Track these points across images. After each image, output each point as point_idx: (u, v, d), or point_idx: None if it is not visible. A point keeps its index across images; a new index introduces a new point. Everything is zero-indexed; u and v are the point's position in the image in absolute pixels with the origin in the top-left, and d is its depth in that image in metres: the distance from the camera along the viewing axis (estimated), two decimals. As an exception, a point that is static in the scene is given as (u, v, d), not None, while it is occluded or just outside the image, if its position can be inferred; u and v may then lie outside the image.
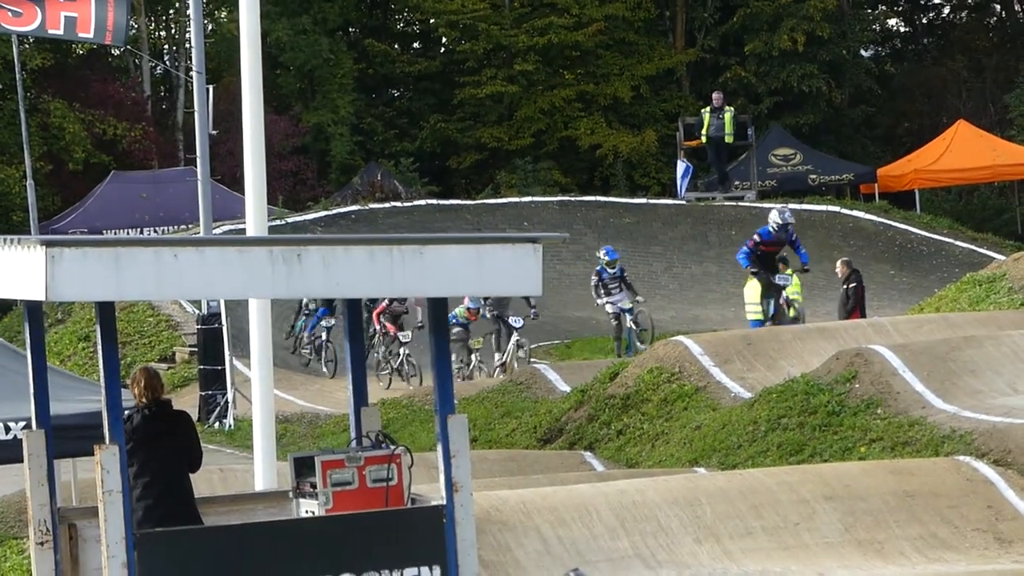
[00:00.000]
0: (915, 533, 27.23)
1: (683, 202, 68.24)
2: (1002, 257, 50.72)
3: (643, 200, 71.11)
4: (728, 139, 65.86)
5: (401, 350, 48.56)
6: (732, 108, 66.77)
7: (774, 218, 39.33)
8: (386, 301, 48.39)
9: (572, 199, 70.10)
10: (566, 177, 76.86)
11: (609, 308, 44.90)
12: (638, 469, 34.06)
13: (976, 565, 25.73)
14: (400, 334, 48.65)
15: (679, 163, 67.60)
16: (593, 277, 46.14)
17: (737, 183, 67.32)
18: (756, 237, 39.21)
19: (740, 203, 67.64)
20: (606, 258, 45.67)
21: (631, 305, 44.70)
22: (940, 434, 32.19)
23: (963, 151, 65.18)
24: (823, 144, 76.45)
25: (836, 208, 65.96)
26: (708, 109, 66.25)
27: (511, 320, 47.04)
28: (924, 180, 64.78)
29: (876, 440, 32.87)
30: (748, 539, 27.15)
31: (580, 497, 28.11)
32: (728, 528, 27.37)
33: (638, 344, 44.58)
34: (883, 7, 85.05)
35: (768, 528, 27.25)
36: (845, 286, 48.63)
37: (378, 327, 50.67)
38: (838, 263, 48.90)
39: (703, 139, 67.00)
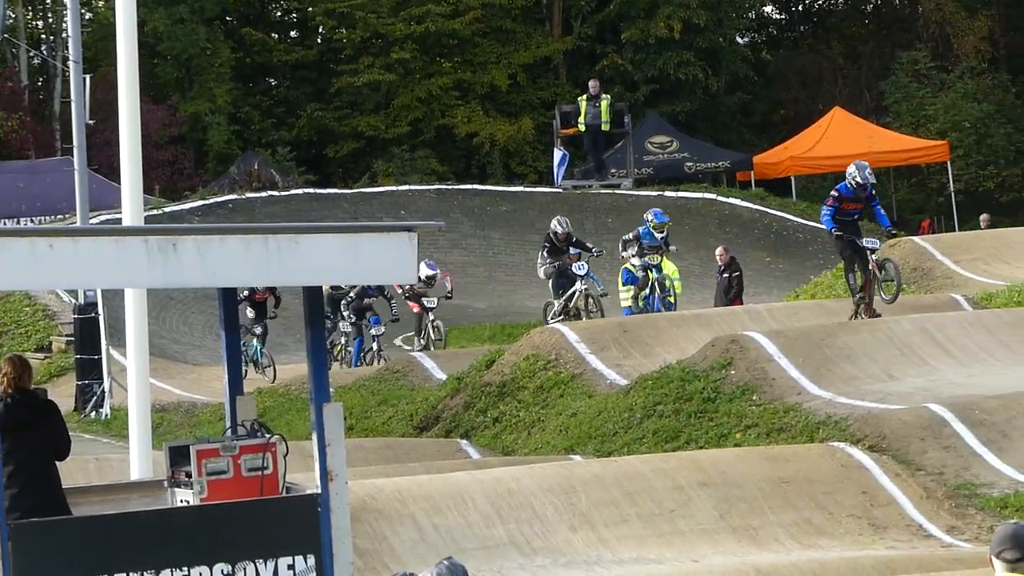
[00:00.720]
0: (789, 519, 27.39)
1: (559, 190, 68.13)
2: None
3: (520, 188, 71.18)
4: (605, 127, 65.36)
5: (428, 323, 47.60)
6: (609, 96, 66.39)
7: (853, 173, 37.51)
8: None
9: (449, 187, 69.69)
10: (443, 165, 76.71)
11: (636, 261, 42.91)
12: (514, 457, 34.12)
13: (850, 551, 25.83)
14: (426, 300, 47.37)
15: (556, 151, 67.14)
16: (629, 235, 44.06)
17: (613, 171, 66.84)
18: (835, 193, 37.35)
19: (616, 191, 67.51)
20: (654, 220, 43.46)
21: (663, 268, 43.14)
22: (815, 420, 32.52)
23: (839, 138, 65.45)
24: (699, 131, 76.56)
25: (712, 195, 65.86)
26: (585, 97, 65.85)
27: (426, 302, 46.52)
28: (800, 167, 65.05)
29: (751, 427, 33.12)
30: (623, 526, 27.18)
31: (456, 485, 28.13)
32: (603, 515, 27.38)
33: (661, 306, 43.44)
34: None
35: (643, 515, 27.24)
36: (728, 273, 48.76)
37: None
38: (718, 249, 48.91)
39: (580, 127, 66.37)
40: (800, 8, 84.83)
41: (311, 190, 72.94)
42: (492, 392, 39.00)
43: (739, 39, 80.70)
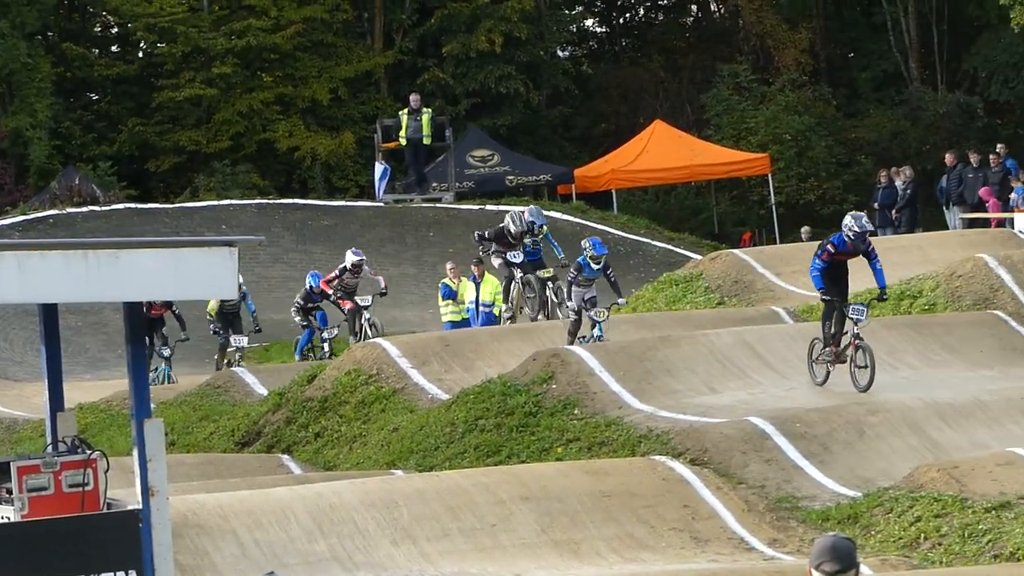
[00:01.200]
0: (611, 533, 27.52)
1: (381, 204, 67.98)
2: (699, 257, 51.24)
3: (341, 203, 70.79)
4: (426, 140, 65.23)
5: (364, 321, 46.18)
6: (430, 109, 66.43)
7: (849, 224, 33.91)
8: (335, 273, 46.11)
9: (270, 202, 69.41)
10: (264, 180, 76.10)
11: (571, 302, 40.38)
12: (336, 472, 34.18)
13: (673, 564, 25.99)
14: (359, 298, 46.19)
15: (377, 165, 66.80)
16: (572, 269, 41.15)
17: (435, 185, 66.62)
18: (829, 247, 33.98)
19: (438, 204, 67.23)
20: (591, 251, 40.54)
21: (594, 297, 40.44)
22: (636, 434, 32.71)
23: (660, 151, 65.59)
24: (521, 145, 76.33)
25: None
26: (406, 111, 65.73)
27: (359, 300, 45.58)
28: (621, 180, 65.07)
29: (573, 440, 33.30)
30: (445, 541, 27.27)
31: (278, 500, 28.18)
32: (425, 530, 27.54)
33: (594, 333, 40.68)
34: (580, 8, 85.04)
35: (465, 530, 27.39)
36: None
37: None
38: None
39: (401, 141, 66.38)
40: (621, 22, 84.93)
41: (132, 205, 71.88)
42: (313, 407, 38.95)
43: (560, 53, 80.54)
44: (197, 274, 17.33)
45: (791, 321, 42.64)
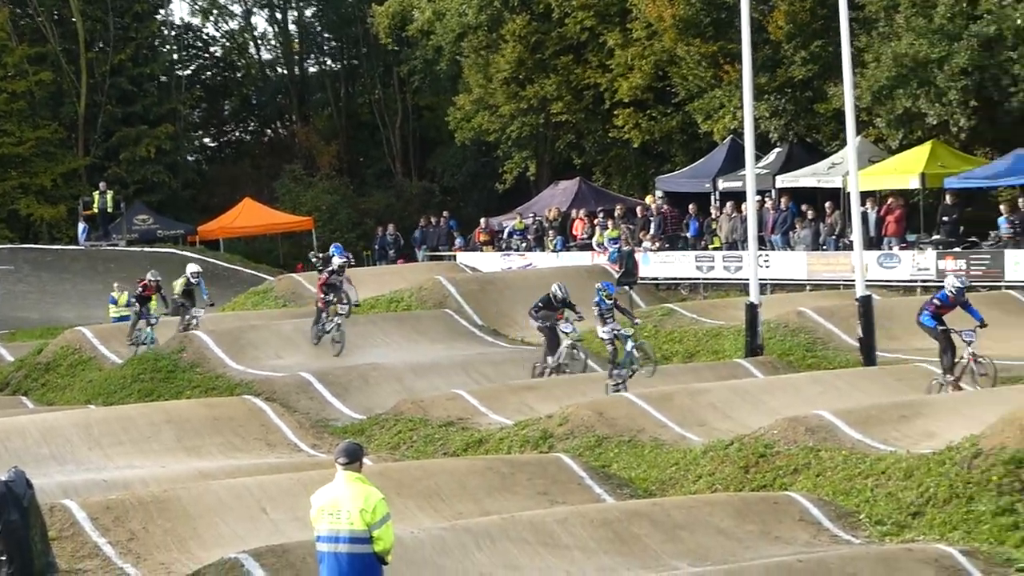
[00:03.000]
0: (220, 441, 27.24)
1: (83, 248, 63.87)
2: (271, 279, 51.22)
3: (59, 247, 65.85)
4: (110, 210, 63.12)
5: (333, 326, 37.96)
6: (111, 191, 63.94)
7: (951, 283, 28.27)
8: (326, 274, 38.42)
9: (16, 246, 64.63)
10: (12, 233, 71.08)
11: (604, 335, 31.01)
12: (54, 406, 33.51)
13: (255, 460, 25.86)
14: (340, 307, 37.32)
15: (80, 224, 63.98)
16: (594, 308, 31.68)
17: (115, 236, 63.64)
18: (936, 302, 28.22)
19: (116, 247, 63.59)
20: (605, 291, 31.64)
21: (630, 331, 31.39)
22: (234, 383, 33.07)
23: (249, 216, 64.63)
24: (168, 211, 72.15)
25: (173, 250, 63.92)
26: (97, 192, 62.77)
27: (340, 308, 37.06)
28: (226, 232, 64.09)
29: (196, 387, 33.48)
30: (119, 447, 26.53)
31: (17, 423, 27.72)
32: (107, 440, 26.88)
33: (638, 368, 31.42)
34: (200, 132, 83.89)
35: (132, 440, 26.81)
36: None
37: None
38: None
39: (94, 210, 63.54)
40: (225, 139, 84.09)
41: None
42: (41, 368, 38.26)
43: (190, 157, 79.11)
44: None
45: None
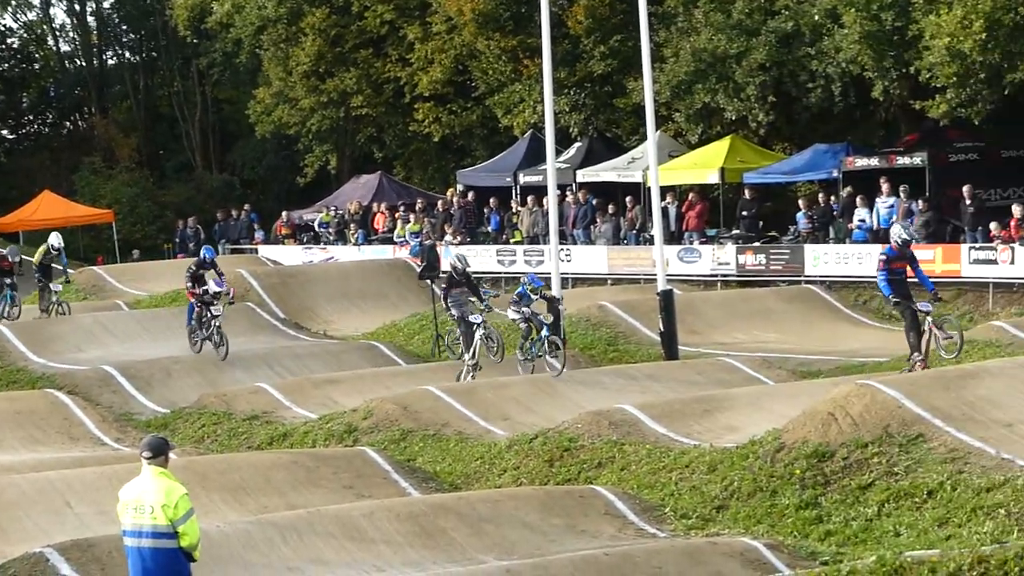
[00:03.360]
0: (22, 435, 26.92)
1: None
2: (72, 271, 50.54)
3: None
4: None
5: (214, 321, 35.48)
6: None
7: (897, 232, 26.76)
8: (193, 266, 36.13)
9: None
10: None
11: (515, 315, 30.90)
12: None
13: (58, 454, 25.40)
14: (213, 308, 34.50)
15: None
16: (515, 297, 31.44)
17: None
18: (883, 256, 26.51)
19: None
20: (531, 285, 30.97)
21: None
22: (36, 376, 32.69)
23: (48, 208, 63.31)
24: None
25: None
26: None
27: (214, 310, 34.33)
28: (25, 226, 62.10)
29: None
30: None
31: None
32: None
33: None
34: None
35: None
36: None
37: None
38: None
39: None
40: (24, 132, 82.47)
41: None
42: None
43: None
44: None
45: (127, 309, 42.36)
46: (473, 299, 31.31)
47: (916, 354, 26.45)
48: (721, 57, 43.37)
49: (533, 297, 30.76)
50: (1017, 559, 9.77)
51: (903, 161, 41.02)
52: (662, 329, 32.51)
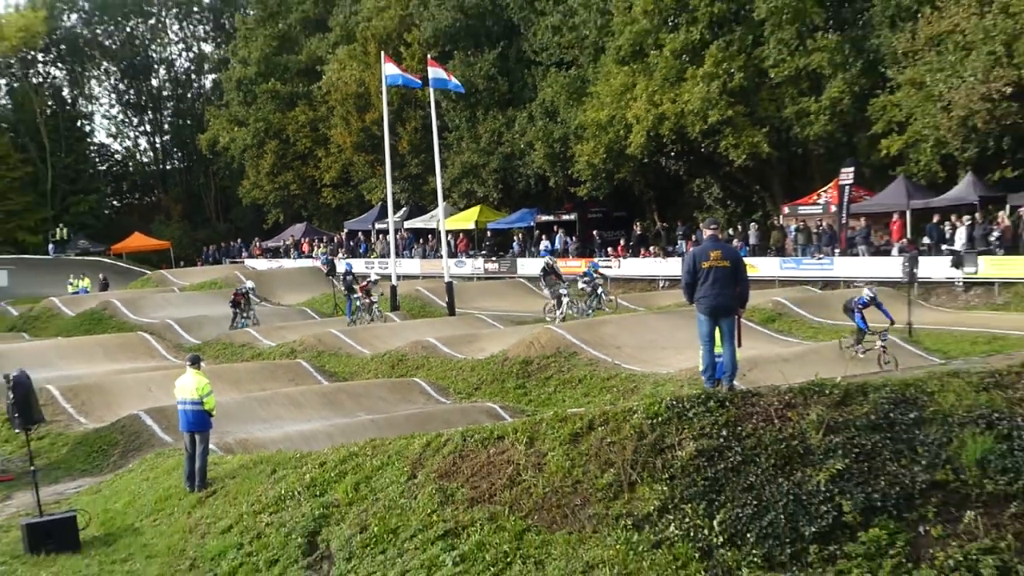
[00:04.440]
0: (126, 355, 25.90)
1: None
2: (148, 272, 48.59)
3: None
4: None
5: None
6: None
7: (867, 293, 20.85)
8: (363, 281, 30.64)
9: None
10: None
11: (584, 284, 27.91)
12: (39, 339, 31.20)
13: (144, 364, 24.73)
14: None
15: None
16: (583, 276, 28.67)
17: None
18: (859, 305, 20.50)
19: None
20: (594, 268, 29.02)
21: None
22: (133, 325, 31.03)
23: (138, 242, 63.26)
24: None
25: None
26: None
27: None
28: (125, 250, 61.67)
29: (113, 328, 31.89)
30: (73, 359, 25.36)
31: (19, 347, 26.26)
32: (68, 356, 25.65)
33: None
34: None
35: (81, 355, 25.67)
36: None
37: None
38: None
39: None
40: (127, 202, 78.87)
41: None
42: (32, 318, 36.41)
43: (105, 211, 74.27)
44: None
45: (177, 292, 40.00)
46: (560, 281, 28.21)
47: (858, 346, 20.20)
48: (475, 165, 43.42)
49: (594, 276, 27.84)
50: (621, 413, 9.54)
51: (566, 217, 41.58)
52: (448, 300, 32.24)
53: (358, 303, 29.50)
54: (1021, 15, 24.31)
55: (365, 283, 29.77)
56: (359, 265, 45.06)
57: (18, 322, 36.84)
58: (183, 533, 11.70)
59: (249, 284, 32.43)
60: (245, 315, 30.32)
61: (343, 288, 30.80)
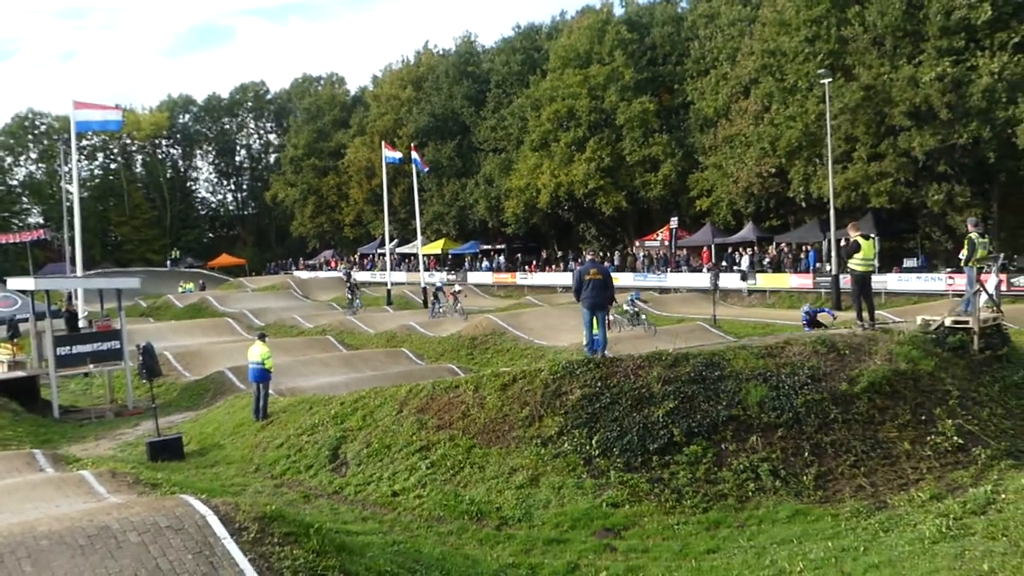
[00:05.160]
0: (215, 332, 24.28)
1: None
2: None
3: None
4: None
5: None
6: None
7: (805, 308, 15.39)
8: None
9: None
10: None
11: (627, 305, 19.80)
12: (160, 321, 28.61)
13: (228, 339, 23.44)
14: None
15: None
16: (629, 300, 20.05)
17: None
18: (807, 317, 14.76)
19: None
20: (636, 297, 20.72)
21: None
22: (218, 312, 27.48)
23: (225, 259, 60.17)
24: None
25: None
26: None
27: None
28: (218, 265, 58.36)
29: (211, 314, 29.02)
30: (175, 333, 23.98)
31: (147, 327, 23.95)
32: (178, 331, 24.19)
33: None
34: None
35: (185, 331, 24.23)
36: None
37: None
38: None
39: None
40: (217, 235, 72.32)
41: None
42: (155, 307, 33.22)
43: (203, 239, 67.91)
44: None
45: (250, 291, 36.47)
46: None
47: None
48: (441, 213, 41.56)
49: (636, 302, 19.89)
50: (534, 371, 8.88)
51: (499, 246, 39.63)
52: (423, 299, 29.17)
53: (441, 304, 23.52)
54: (781, 125, 25.11)
55: (451, 291, 24.30)
56: (364, 276, 43.71)
57: (146, 311, 34.77)
58: (251, 448, 11.45)
59: (355, 276, 26.57)
60: (356, 299, 26.25)
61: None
